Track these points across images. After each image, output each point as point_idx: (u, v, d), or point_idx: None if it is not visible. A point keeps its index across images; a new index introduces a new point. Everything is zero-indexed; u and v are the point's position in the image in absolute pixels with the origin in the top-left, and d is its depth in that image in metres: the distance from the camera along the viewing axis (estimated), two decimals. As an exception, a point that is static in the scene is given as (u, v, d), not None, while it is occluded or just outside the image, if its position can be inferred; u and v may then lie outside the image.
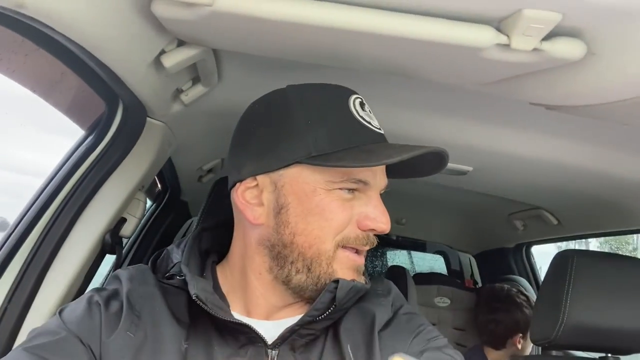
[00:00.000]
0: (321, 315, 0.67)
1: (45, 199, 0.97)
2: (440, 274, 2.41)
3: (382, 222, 0.68)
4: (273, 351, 0.67)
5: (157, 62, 0.79)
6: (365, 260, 0.74)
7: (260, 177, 0.69)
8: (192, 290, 0.65)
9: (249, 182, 0.70)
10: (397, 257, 3.15)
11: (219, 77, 1.01)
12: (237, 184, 0.71)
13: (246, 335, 0.67)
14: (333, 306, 0.66)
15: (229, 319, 0.65)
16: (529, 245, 2.27)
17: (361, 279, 0.71)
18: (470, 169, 1.49)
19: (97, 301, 0.68)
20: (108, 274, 1.51)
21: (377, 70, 0.83)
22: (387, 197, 0.72)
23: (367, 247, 0.70)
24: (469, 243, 2.54)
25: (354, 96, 0.71)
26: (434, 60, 0.72)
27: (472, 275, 2.59)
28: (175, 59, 0.79)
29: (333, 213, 0.67)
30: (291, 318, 0.70)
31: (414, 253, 3.14)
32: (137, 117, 1.01)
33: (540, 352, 1.49)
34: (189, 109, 1.04)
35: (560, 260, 1.34)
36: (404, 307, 0.78)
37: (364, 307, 0.74)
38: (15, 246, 0.93)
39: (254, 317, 0.71)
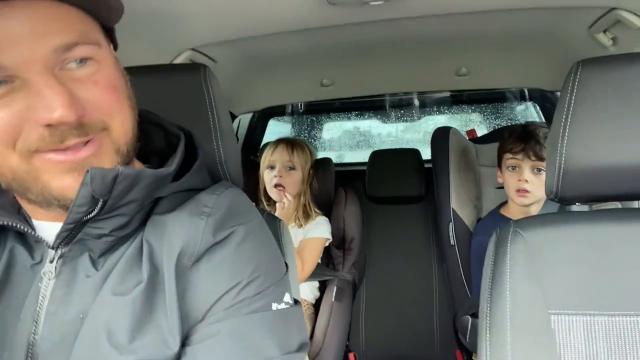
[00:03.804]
0: (91, 210, 0.59)
1: None
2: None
3: (51, 108, 0.53)
4: (58, 251, 0.64)
5: None
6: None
7: None
8: None
9: None
10: (467, 117, 2.56)
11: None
12: None
13: (32, 235, 0.64)
14: (101, 201, 0.58)
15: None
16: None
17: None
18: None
19: None
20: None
21: None
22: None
23: (72, 141, 0.57)
24: (558, 79, 1.89)
25: None
26: None
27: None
28: None
29: None
30: None
31: (493, 106, 2.51)
32: None
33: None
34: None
35: (569, 77, 0.92)
36: (236, 233, 0.65)
37: (172, 221, 0.64)
38: None
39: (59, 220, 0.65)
